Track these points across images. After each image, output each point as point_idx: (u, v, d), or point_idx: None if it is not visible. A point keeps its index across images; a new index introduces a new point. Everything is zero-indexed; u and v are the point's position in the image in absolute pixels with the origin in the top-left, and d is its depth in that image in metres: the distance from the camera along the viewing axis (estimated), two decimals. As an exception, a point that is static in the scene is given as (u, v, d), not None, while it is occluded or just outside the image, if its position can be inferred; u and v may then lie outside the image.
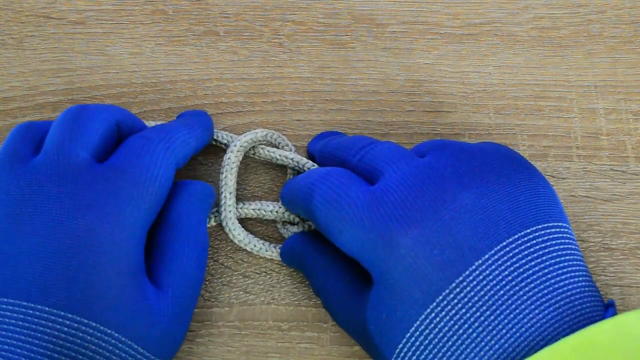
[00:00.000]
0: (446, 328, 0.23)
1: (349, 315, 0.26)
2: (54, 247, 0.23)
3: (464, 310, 0.23)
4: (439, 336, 0.23)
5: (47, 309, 0.22)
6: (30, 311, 0.22)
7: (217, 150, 0.32)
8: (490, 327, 0.22)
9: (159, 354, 0.25)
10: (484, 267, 0.23)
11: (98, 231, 0.24)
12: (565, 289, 0.23)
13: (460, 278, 0.23)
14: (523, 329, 0.22)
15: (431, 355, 0.23)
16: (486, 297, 0.22)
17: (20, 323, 0.22)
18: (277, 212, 0.30)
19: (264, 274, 0.31)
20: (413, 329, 0.23)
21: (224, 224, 0.30)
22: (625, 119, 0.33)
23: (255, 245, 0.30)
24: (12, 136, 0.26)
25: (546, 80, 0.33)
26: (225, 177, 0.30)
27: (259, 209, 0.30)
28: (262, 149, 0.31)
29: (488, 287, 0.23)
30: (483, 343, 0.22)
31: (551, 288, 0.23)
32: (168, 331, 0.25)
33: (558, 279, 0.23)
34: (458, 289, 0.23)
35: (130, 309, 0.24)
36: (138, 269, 0.25)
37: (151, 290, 0.25)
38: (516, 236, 0.23)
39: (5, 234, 0.24)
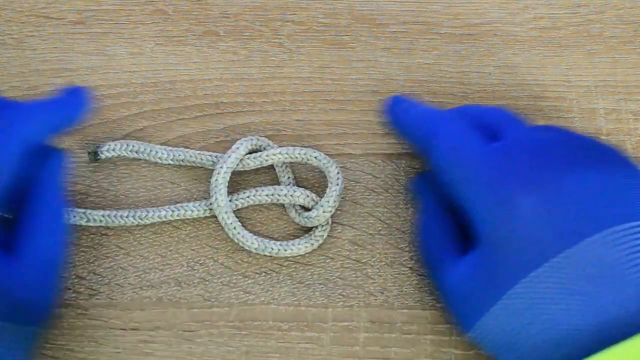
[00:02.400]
0: (549, 293, 0.23)
1: (442, 272, 0.27)
2: None
3: (571, 278, 0.23)
4: (540, 299, 0.23)
5: None
6: None
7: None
8: (593, 303, 0.22)
9: (22, 320, 0.25)
10: (596, 244, 0.23)
11: None
12: None
13: (572, 249, 0.23)
14: (626, 313, 0.22)
15: (527, 318, 0.23)
16: (596, 271, 0.22)
17: None
18: (292, 195, 0.30)
19: (264, 274, 0.31)
20: (516, 287, 0.23)
21: (234, 238, 0.30)
22: (625, 119, 0.33)
23: (273, 248, 0.30)
24: None
25: (546, 80, 0.33)
26: (216, 199, 0.30)
27: (272, 194, 0.30)
28: (247, 159, 0.31)
29: (602, 262, 0.23)
30: (581, 315, 0.22)
31: None
32: (24, 298, 0.25)
33: None
34: (567, 259, 0.23)
35: None
36: None
37: (4, 262, 0.24)
38: (631, 224, 0.23)
39: None
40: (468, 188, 0.25)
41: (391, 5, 0.35)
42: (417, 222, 0.30)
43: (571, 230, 0.23)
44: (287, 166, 0.31)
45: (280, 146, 0.31)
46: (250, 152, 0.31)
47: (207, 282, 0.30)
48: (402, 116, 0.30)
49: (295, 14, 0.35)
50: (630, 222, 0.23)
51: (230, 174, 0.30)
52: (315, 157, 0.31)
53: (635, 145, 0.32)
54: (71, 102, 0.29)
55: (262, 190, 0.31)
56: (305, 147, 0.31)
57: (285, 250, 0.30)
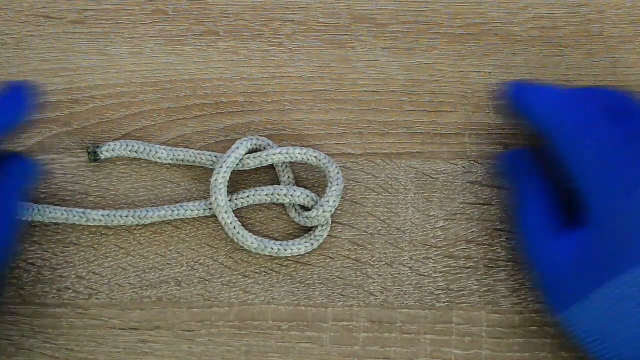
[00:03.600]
0: None
1: (542, 248, 0.26)
2: None
3: None
4: None
5: None
6: None
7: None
8: None
9: None
10: None
11: None
12: None
13: None
14: None
15: (630, 310, 0.23)
16: None
17: None
18: (292, 195, 0.30)
19: (264, 274, 0.31)
20: (624, 276, 0.23)
21: (234, 238, 0.30)
22: (625, 119, 0.33)
23: (273, 248, 0.30)
24: None
25: (546, 80, 0.33)
26: (216, 199, 0.30)
27: (272, 194, 0.30)
28: (247, 159, 0.31)
29: None
30: None
31: None
32: None
33: None
34: None
35: None
36: None
37: None
38: None
39: None
40: (593, 169, 0.25)
41: (391, 5, 0.35)
42: (516, 197, 0.29)
43: None
44: (287, 166, 0.31)
45: (280, 146, 0.31)
46: (250, 152, 0.31)
47: (207, 282, 0.30)
48: (527, 100, 0.29)
49: (295, 14, 0.35)
50: None
51: (230, 174, 0.30)
52: (315, 157, 0.31)
53: (635, 145, 0.32)
54: (12, 103, 0.29)
55: (262, 190, 0.31)
56: (305, 147, 0.31)
57: (285, 250, 0.30)
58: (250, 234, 0.30)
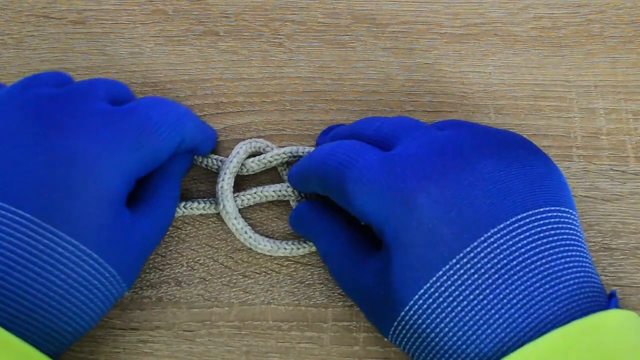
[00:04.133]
0: (457, 292, 0.23)
1: (356, 279, 0.26)
2: (41, 157, 0.24)
3: (476, 276, 0.23)
4: (449, 299, 0.23)
5: (20, 212, 0.23)
6: (3, 212, 0.23)
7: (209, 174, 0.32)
8: (501, 296, 0.23)
9: (122, 273, 0.26)
10: (499, 235, 0.23)
11: (94, 160, 0.25)
12: (576, 269, 0.23)
13: (476, 243, 0.23)
14: (533, 302, 0.23)
15: (439, 318, 0.23)
16: (499, 265, 0.23)
17: None
18: (285, 191, 0.30)
19: (264, 274, 0.31)
20: (423, 290, 0.23)
21: (245, 242, 0.30)
22: (625, 119, 0.33)
23: (286, 249, 0.30)
24: (44, 73, 0.28)
25: (546, 80, 0.33)
26: (224, 206, 0.30)
27: (278, 191, 0.31)
28: (250, 162, 0.31)
29: (502, 255, 0.23)
30: (493, 311, 0.23)
31: (565, 266, 0.23)
32: (133, 254, 0.26)
33: (570, 259, 0.23)
34: (472, 254, 0.23)
35: (103, 229, 0.25)
36: (119, 201, 0.26)
37: (128, 218, 0.26)
38: (532, 212, 0.23)
39: (3, 137, 0.25)
40: (368, 198, 0.25)
41: (391, 5, 0.35)
42: (318, 245, 0.29)
43: (472, 224, 0.23)
44: (288, 164, 0.31)
45: (280, 146, 0.31)
46: (250, 156, 0.31)
47: (207, 282, 0.30)
48: (292, 173, 0.30)
49: (295, 14, 0.35)
50: (530, 210, 0.23)
51: (234, 179, 0.30)
52: None
53: (635, 145, 0.32)
54: (211, 138, 0.31)
55: (270, 187, 0.31)
56: (306, 145, 0.31)
57: (299, 249, 0.30)
58: (263, 236, 0.30)
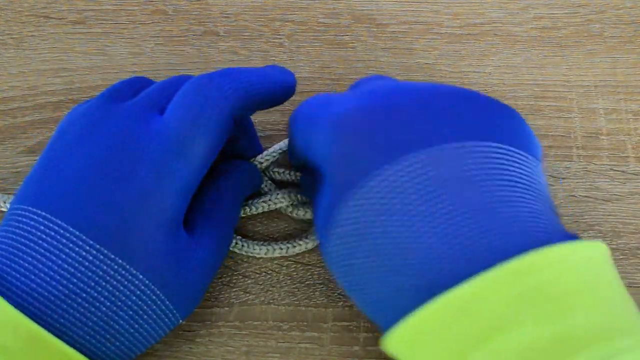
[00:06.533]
0: (368, 219, 0.22)
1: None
2: (102, 178, 0.24)
3: (386, 201, 0.21)
4: (361, 225, 0.22)
5: (83, 236, 0.23)
6: (66, 233, 0.23)
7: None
8: (415, 222, 0.21)
9: (179, 306, 0.26)
10: (417, 161, 0.21)
11: (146, 180, 0.24)
12: (512, 203, 0.21)
13: (389, 166, 0.22)
14: (455, 234, 0.20)
15: (353, 246, 0.22)
16: (415, 191, 0.21)
17: (53, 242, 0.23)
18: (288, 196, 0.30)
19: (264, 274, 0.31)
20: (337, 217, 0.23)
21: (240, 253, 0.30)
22: (625, 119, 0.33)
23: (282, 248, 0.30)
24: (125, 80, 0.28)
25: (546, 80, 0.33)
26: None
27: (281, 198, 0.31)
28: (253, 204, 0.31)
29: (420, 181, 0.21)
30: (407, 238, 0.21)
31: (497, 199, 0.21)
32: (190, 285, 0.26)
33: (508, 192, 0.21)
34: (384, 179, 0.22)
35: (161, 257, 0.24)
36: (177, 223, 0.25)
37: (185, 244, 0.25)
38: (463, 143, 0.22)
39: (70, 149, 0.25)
40: (310, 142, 0.25)
41: (391, 5, 0.35)
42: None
43: (395, 146, 0.22)
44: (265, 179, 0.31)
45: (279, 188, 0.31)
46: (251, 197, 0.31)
47: (207, 282, 0.30)
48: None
49: (295, 14, 0.35)
50: (445, 142, 0.22)
51: None
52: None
53: (635, 145, 0.32)
54: (275, 77, 0.28)
55: (260, 198, 0.30)
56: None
57: (294, 247, 0.30)
58: (256, 242, 0.30)
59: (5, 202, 0.30)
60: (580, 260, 0.20)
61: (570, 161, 0.32)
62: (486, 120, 0.23)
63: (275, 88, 0.27)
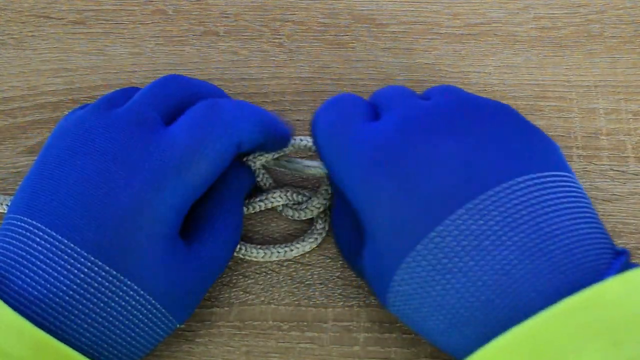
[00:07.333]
0: (428, 277, 0.22)
1: (354, 267, 0.27)
2: (94, 192, 0.24)
3: (445, 260, 0.22)
4: (421, 284, 0.23)
5: (77, 248, 0.23)
6: (61, 245, 0.23)
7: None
8: (475, 277, 0.22)
9: (176, 313, 0.26)
10: (466, 215, 0.22)
11: (139, 193, 0.24)
12: (562, 237, 0.22)
13: (441, 227, 0.22)
14: (511, 280, 0.21)
15: (416, 303, 0.23)
16: (469, 247, 0.22)
17: (50, 254, 0.23)
18: (285, 195, 0.30)
19: (264, 274, 0.31)
20: (395, 278, 0.23)
21: (238, 255, 0.30)
22: (625, 119, 0.33)
23: (280, 252, 0.30)
24: (120, 89, 0.28)
25: (546, 80, 0.33)
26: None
27: (265, 199, 0.30)
28: (253, 202, 0.30)
29: (471, 236, 0.22)
30: (468, 293, 0.22)
31: (544, 237, 0.22)
32: (189, 292, 0.26)
33: (553, 227, 0.22)
34: (438, 238, 0.22)
35: (156, 268, 0.24)
36: (172, 235, 0.25)
37: (182, 253, 0.26)
38: (504, 185, 0.22)
39: (63, 161, 0.25)
40: (344, 177, 0.25)
41: (391, 5, 0.35)
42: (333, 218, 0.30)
43: (435, 208, 0.22)
44: (264, 172, 0.31)
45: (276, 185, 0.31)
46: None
47: (207, 282, 0.30)
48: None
49: (295, 14, 0.35)
50: (502, 183, 0.22)
51: None
52: (307, 166, 0.30)
53: (635, 145, 0.32)
54: (281, 126, 0.28)
55: (256, 197, 0.30)
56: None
57: (292, 251, 0.30)
58: (254, 245, 0.30)
59: (2, 203, 0.30)
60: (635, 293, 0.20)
61: (570, 161, 0.32)
62: (534, 149, 0.24)
63: (282, 133, 0.28)
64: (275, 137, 0.28)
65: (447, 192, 0.22)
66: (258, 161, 0.30)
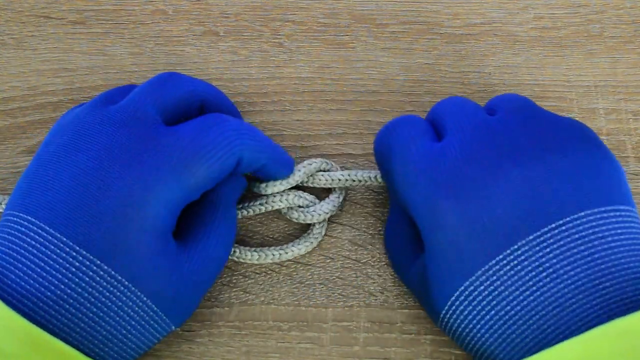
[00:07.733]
0: (484, 303, 0.23)
1: (406, 277, 0.28)
2: (87, 186, 0.24)
3: (502, 288, 0.23)
4: (475, 311, 0.23)
5: (70, 242, 0.23)
6: (54, 239, 0.23)
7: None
8: (529, 307, 0.23)
9: (170, 314, 0.26)
10: (526, 247, 0.23)
11: (132, 187, 0.24)
12: (616, 274, 0.22)
13: (501, 256, 0.23)
14: (564, 313, 0.22)
15: (471, 324, 0.24)
16: (526, 278, 0.23)
17: (43, 249, 0.23)
18: (285, 199, 0.30)
19: (264, 274, 0.31)
20: (451, 300, 0.24)
21: (232, 258, 0.30)
22: (625, 119, 0.33)
23: (274, 255, 0.30)
24: (117, 87, 0.28)
25: (546, 80, 0.33)
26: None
27: (278, 201, 0.30)
28: (253, 205, 0.30)
29: (529, 267, 0.23)
30: (521, 322, 0.23)
31: (599, 274, 0.22)
32: (182, 293, 0.26)
33: (609, 264, 0.22)
34: (497, 267, 0.23)
35: (148, 265, 0.24)
36: (164, 232, 0.25)
37: (175, 253, 0.25)
38: (567, 219, 0.23)
39: (58, 158, 0.25)
40: (407, 196, 0.25)
41: (391, 5, 0.35)
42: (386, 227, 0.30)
43: (497, 238, 0.23)
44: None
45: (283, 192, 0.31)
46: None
47: (207, 282, 0.30)
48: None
49: (295, 14, 0.35)
50: (564, 217, 0.23)
51: None
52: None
53: (635, 145, 0.32)
54: (284, 157, 0.29)
55: (256, 200, 0.30)
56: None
57: (287, 253, 0.30)
58: (248, 248, 0.30)
59: (1, 203, 0.30)
60: None
61: (570, 161, 0.32)
62: (601, 180, 0.24)
63: (283, 157, 0.29)
64: (276, 159, 0.28)
65: (510, 225, 0.23)
66: (269, 189, 0.30)
